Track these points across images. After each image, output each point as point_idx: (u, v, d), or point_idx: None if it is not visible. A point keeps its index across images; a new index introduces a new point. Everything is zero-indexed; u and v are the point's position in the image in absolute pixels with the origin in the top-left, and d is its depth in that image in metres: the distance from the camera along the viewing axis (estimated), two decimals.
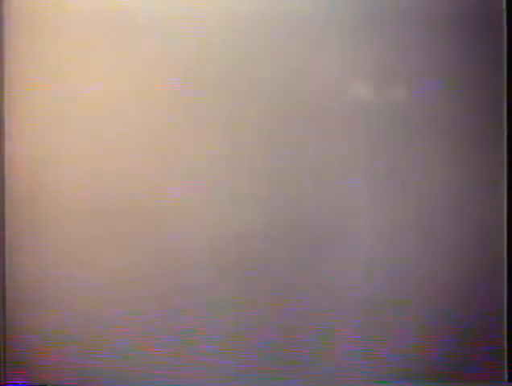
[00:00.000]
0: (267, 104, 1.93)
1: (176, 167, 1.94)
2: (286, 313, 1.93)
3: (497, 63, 1.91)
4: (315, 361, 1.93)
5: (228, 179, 1.94)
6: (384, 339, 1.92)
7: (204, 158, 1.94)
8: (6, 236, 1.97)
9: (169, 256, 1.94)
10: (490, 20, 1.91)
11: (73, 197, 1.96)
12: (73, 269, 1.96)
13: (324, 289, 1.93)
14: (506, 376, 1.92)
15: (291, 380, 1.94)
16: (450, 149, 1.92)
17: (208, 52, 1.94)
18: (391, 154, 1.92)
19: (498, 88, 1.92)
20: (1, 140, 1.97)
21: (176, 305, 1.95)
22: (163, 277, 1.95)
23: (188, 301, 1.94)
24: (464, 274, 1.92)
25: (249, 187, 1.93)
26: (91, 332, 1.96)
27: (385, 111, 1.92)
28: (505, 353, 1.92)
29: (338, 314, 1.93)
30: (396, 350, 1.93)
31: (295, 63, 1.93)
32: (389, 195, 1.92)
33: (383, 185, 1.92)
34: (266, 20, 1.93)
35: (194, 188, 1.94)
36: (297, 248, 1.93)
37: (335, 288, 1.93)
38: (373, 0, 1.92)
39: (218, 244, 1.94)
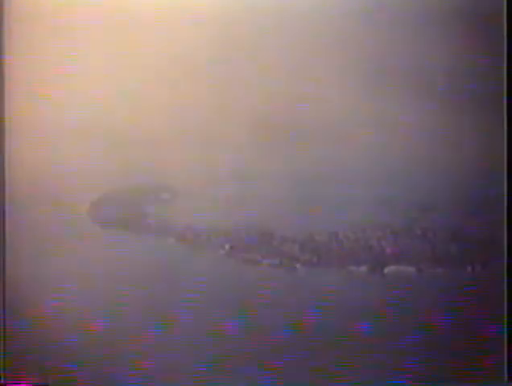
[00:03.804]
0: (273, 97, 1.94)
1: (180, 163, 1.95)
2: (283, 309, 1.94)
3: (497, 62, 1.92)
4: (314, 360, 1.93)
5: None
6: (384, 339, 1.92)
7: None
8: (6, 236, 1.97)
9: (169, 255, 1.95)
10: (490, 18, 1.92)
11: (73, 197, 1.96)
12: (73, 269, 1.96)
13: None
14: (506, 376, 1.92)
15: (291, 379, 1.94)
16: (449, 146, 1.93)
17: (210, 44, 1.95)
18: (392, 145, 1.93)
19: (498, 85, 1.92)
20: (1, 141, 1.97)
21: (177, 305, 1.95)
22: (163, 276, 1.95)
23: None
24: (464, 274, 1.92)
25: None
26: (91, 331, 1.96)
27: (384, 107, 1.93)
28: (505, 353, 1.92)
29: (336, 314, 1.93)
30: (396, 350, 1.92)
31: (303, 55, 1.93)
32: (389, 192, 1.93)
33: (383, 185, 1.93)
34: (268, 15, 1.94)
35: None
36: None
37: (333, 287, 1.93)
38: None
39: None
